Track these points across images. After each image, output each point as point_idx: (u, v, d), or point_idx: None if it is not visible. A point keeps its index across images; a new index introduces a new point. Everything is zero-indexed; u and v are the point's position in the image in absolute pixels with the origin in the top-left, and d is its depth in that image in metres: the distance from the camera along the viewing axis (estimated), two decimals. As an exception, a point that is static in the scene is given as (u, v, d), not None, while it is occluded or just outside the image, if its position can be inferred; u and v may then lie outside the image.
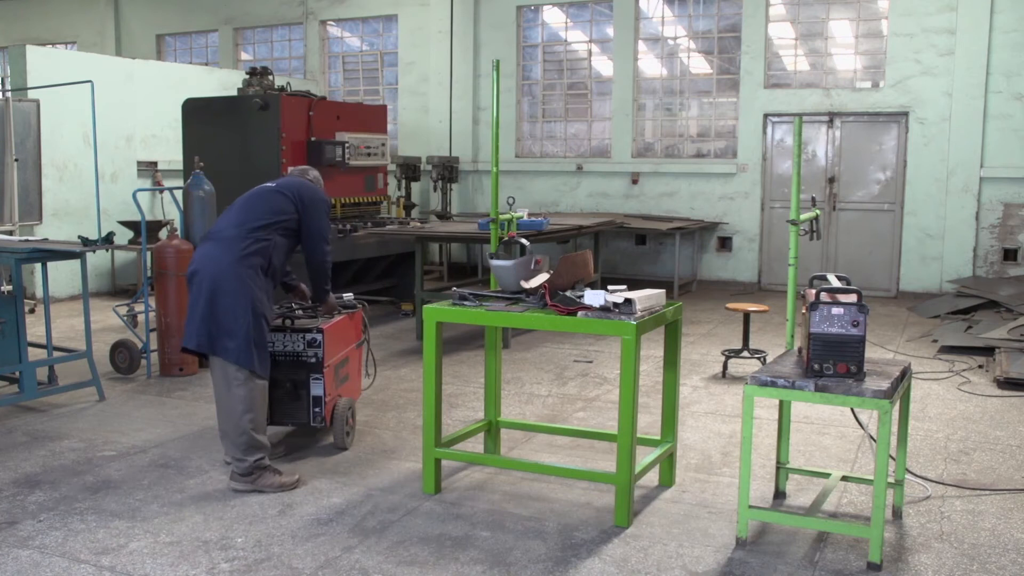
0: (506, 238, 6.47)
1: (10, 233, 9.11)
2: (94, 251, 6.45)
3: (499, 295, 4.54)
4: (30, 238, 7.54)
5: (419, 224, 9.89)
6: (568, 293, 4.32)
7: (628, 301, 4.09)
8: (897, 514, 4.27)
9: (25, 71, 10.43)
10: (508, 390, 6.63)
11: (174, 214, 9.09)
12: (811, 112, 11.56)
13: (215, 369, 4.65)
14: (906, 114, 11.23)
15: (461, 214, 13.17)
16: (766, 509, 4.30)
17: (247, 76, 10.00)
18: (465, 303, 4.48)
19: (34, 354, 6.61)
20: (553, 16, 13.44)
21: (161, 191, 11.36)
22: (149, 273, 7.36)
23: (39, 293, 9.89)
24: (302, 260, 5.05)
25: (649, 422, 5.66)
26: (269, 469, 4.62)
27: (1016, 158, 10.75)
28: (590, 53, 13.28)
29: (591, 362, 7.63)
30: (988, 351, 7.81)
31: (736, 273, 12.26)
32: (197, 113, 9.57)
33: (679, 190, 12.51)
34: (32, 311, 9.22)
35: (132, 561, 3.78)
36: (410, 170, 12.90)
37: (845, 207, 11.61)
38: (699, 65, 12.64)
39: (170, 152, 11.82)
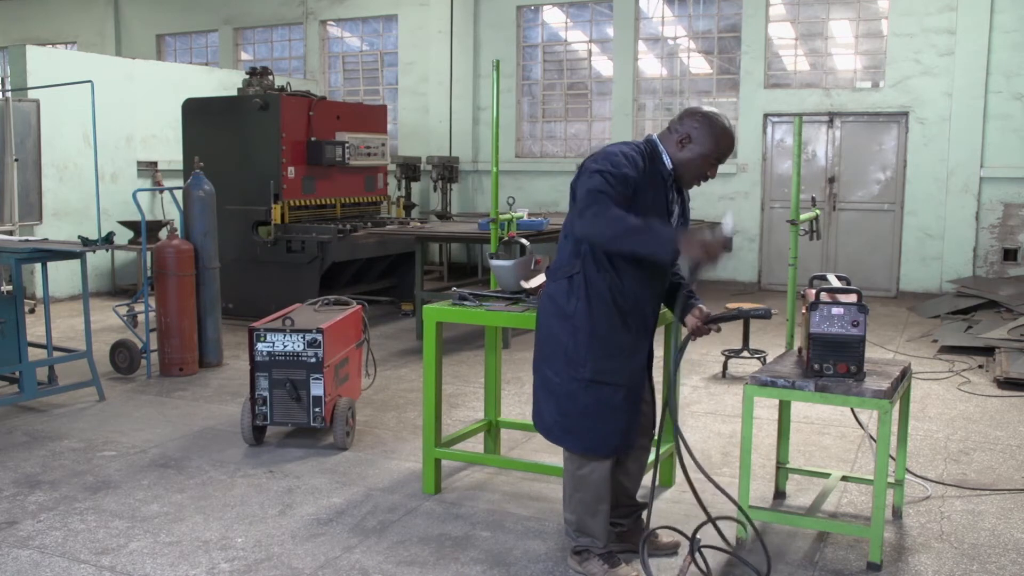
0: (506, 238, 6.47)
1: (10, 233, 9.10)
2: (94, 251, 6.44)
3: (499, 295, 4.54)
4: (30, 238, 7.54)
5: (419, 224, 9.89)
6: (568, 293, 4.30)
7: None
8: (897, 514, 4.27)
9: (25, 71, 10.42)
10: (508, 390, 6.63)
11: (174, 214, 9.08)
12: (811, 112, 11.55)
13: None
14: (906, 114, 11.22)
15: (461, 214, 13.16)
16: (766, 509, 4.30)
17: (247, 76, 10.00)
18: (465, 303, 4.48)
19: (34, 354, 6.61)
20: (553, 16, 13.44)
21: (161, 191, 11.36)
22: (149, 273, 7.36)
23: (39, 293, 9.88)
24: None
25: (649, 422, 5.65)
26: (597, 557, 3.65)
27: (1016, 158, 10.75)
28: (590, 53, 13.28)
29: (591, 362, 7.62)
30: (988, 351, 7.80)
31: (736, 273, 12.25)
32: (197, 113, 9.57)
33: (679, 190, 12.48)
34: (32, 311, 9.21)
35: (132, 561, 3.78)
36: (410, 170, 12.91)
37: (845, 207, 11.61)
38: (699, 65, 12.63)
39: (170, 152, 11.82)
